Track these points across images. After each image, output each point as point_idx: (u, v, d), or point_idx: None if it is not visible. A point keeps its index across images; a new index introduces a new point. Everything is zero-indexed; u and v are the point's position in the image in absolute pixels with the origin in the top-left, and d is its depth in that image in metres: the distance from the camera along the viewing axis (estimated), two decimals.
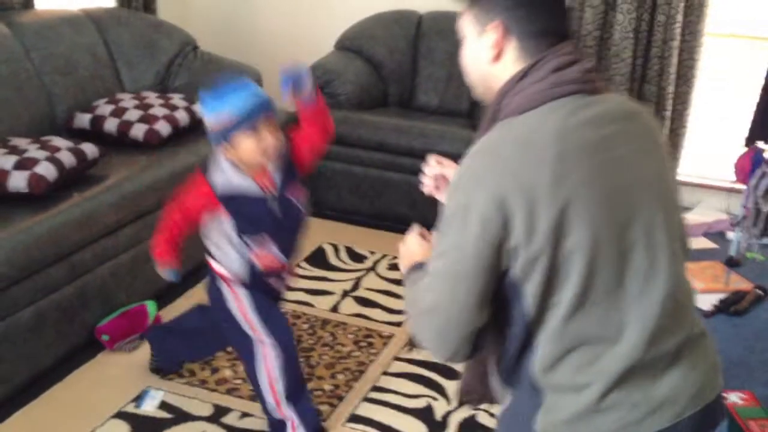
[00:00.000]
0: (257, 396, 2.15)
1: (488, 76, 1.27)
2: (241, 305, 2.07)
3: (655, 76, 3.77)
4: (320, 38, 4.09)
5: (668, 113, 3.80)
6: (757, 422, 2.23)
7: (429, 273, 1.23)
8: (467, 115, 3.82)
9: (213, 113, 1.88)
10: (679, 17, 3.64)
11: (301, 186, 2.08)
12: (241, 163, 1.93)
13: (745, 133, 3.33)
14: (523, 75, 1.21)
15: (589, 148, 1.16)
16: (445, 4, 4.08)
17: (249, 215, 1.97)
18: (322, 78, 3.71)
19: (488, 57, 1.25)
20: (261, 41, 4.45)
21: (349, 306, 2.93)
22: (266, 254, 2.04)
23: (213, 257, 2.08)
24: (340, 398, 2.41)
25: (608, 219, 1.15)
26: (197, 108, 3.29)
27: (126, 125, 3.05)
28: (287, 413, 2.10)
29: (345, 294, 3.02)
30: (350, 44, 3.99)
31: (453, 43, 3.95)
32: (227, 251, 2.03)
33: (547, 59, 1.21)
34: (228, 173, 1.95)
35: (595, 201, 1.14)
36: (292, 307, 2.89)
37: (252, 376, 2.11)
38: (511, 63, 1.24)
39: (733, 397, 2.32)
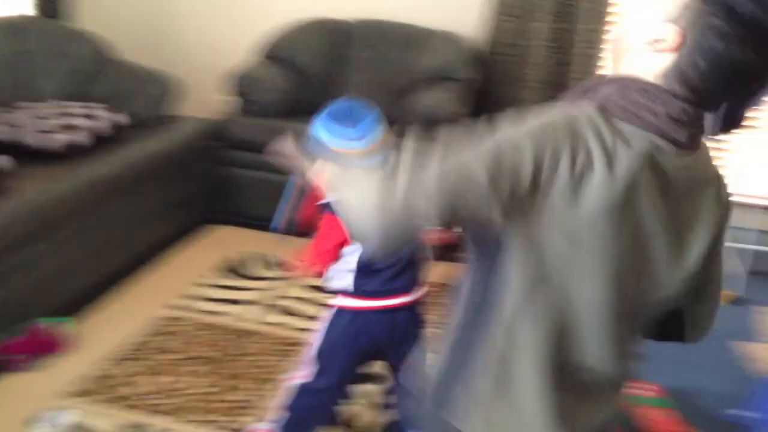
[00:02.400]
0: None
1: (629, 53, 1.14)
2: None
3: (574, 83, 3.88)
4: (244, 45, 4.08)
5: None
6: (660, 411, 2.36)
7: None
8: (391, 121, 3.85)
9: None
10: (591, 26, 3.77)
11: None
12: None
13: None
14: (648, 90, 1.10)
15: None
16: (373, 13, 4.13)
17: None
18: (246, 86, 3.71)
19: (647, 41, 1.10)
20: (183, 49, 4.42)
21: (266, 315, 2.95)
22: None
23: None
24: (255, 409, 2.42)
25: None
26: (120, 117, 3.27)
27: (43, 136, 3.00)
28: None
29: (262, 303, 3.04)
30: (275, 52, 3.99)
31: (378, 51, 4.04)
32: None
33: (678, 104, 1.09)
34: None
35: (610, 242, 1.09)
36: (212, 319, 2.90)
37: None
38: (656, 69, 1.10)
39: (641, 389, 2.43)
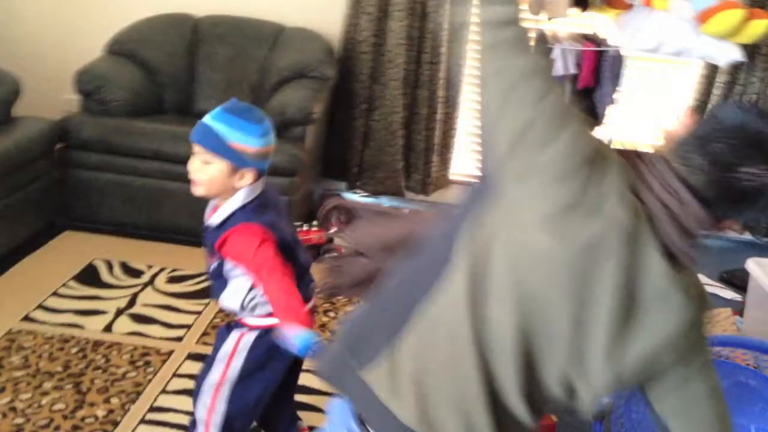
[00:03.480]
0: None
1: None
2: None
3: (427, 81, 3.94)
4: (88, 42, 3.86)
5: (439, 116, 4.00)
6: None
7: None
8: None
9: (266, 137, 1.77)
10: (446, 24, 3.84)
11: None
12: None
13: None
14: (655, 164, 1.12)
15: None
16: (222, 8, 4.02)
17: None
18: (91, 84, 3.50)
19: (678, 113, 1.20)
20: (27, 46, 4.13)
21: (124, 325, 2.78)
22: None
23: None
24: (116, 423, 2.27)
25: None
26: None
27: None
28: None
29: (119, 312, 2.86)
30: (122, 48, 3.80)
31: (232, 48, 3.94)
32: None
33: (674, 183, 1.10)
34: None
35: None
36: (60, 330, 2.70)
37: None
38: (671, 144, 1.15)
39: None
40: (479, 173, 1.17)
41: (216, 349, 1.92)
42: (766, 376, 1.99)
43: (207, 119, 1.75)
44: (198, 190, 1.78)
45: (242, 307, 1.85)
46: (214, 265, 1.85)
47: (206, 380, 1.90)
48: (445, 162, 4.16)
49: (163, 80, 3.84)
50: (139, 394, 2.42)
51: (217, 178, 1.75)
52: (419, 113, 4.00)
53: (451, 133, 4.08)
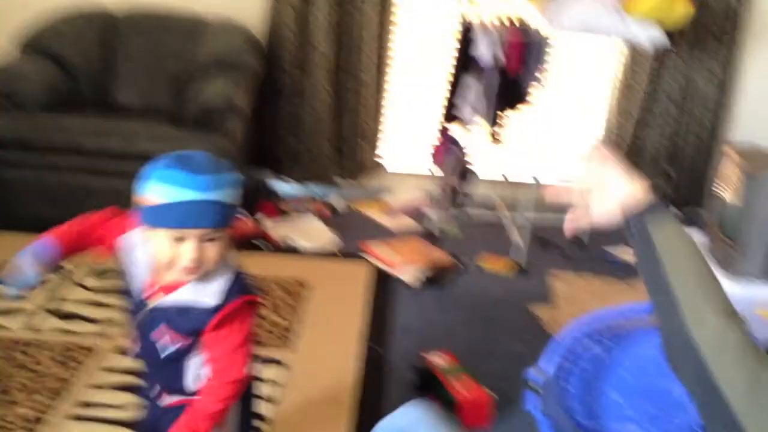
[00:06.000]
0: None
1: None
2: None
3: (352, 67, 3.93)
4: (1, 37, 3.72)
5: (365, 102, 3.99)
6: (457, 378, 2.41)
7: None
8: (170, 112, 3.68)
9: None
10: (371, 10, 3.83)
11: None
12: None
13: (440, 118, 3.58)
14: None
15: None
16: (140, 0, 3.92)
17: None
18: (3, 81, 3.37)
19: None
20: None
21: (46, 322, 2.68)
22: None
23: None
24: (41, 421, 2.18)
25: None
26: None
27: None
28: None
29: (41, 309, 2.76)
30: (35, 44, 3.66)
31: (151, 39, 3.84)
32: None
33: None
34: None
35: None
36: None
37: None
38: None
39: (436, 359, 2.48)
40: None
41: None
42: None
43: (200, 195, 1.40)
44: (200, 272, 1.46)
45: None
46: (177, 347, 1.51)
47: None
48: (372, 147, 4.15)
49: (79, 75, 3.73)
50: (65, 390, 2.33)
51: (224, 247, 1.48)
52: (346, 99, 3.98)
53: (377, 118, 4.08)
